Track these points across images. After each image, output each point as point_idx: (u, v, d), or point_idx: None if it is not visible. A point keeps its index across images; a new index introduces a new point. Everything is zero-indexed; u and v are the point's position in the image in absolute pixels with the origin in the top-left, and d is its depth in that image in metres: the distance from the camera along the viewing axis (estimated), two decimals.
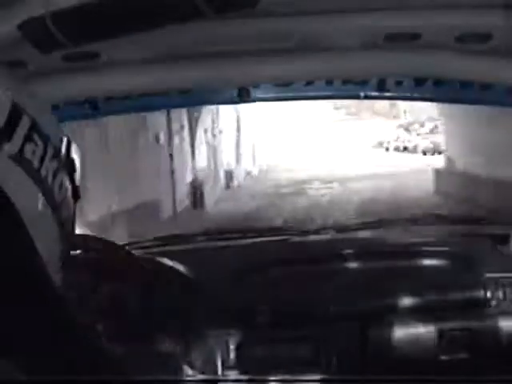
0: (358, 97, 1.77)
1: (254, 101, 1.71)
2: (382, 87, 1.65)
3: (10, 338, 0.75)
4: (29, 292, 0.80)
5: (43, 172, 0.88)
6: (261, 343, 1.93)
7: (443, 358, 1.88)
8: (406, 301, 1.94)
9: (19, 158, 0.85)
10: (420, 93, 1.72)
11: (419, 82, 1.63)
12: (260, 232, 2.36)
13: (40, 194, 0.86)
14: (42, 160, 0.87)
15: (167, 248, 2.27)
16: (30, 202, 0.85)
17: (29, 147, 0.86)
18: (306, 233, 2.33)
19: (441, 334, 1.89)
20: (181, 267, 1.98)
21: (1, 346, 0.75)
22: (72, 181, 0.95)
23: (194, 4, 1.04)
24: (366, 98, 1.75)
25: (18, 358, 0.75)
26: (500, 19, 1.30)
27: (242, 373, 1.88)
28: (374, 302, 1.95)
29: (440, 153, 21.08)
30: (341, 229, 2.34)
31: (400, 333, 1.90)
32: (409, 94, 1.75)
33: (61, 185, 0.91)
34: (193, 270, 2.01)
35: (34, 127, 0.88)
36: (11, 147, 0.84)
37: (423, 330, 1.90)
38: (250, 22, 1.32)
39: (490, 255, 2.03)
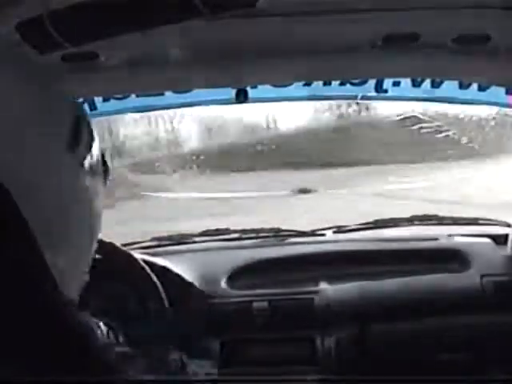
0: (355, 98, 1.77)
1: (251, 101, 1.71)
2: (380, 88, 1.66)
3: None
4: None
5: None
6: (260, 343, 1.93)
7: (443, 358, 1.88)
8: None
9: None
10: (418, 93, 1.73)
11: (417, 82, 1.63)
12: (258, 232, 2.36)
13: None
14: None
15: (167, 248, 2.27)
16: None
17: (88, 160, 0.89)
18: (304, 233, 2.33)
19: (441, 332, 1.89)
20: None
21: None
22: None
23: (192, 4, 1.04)
24: (364, 98, 1.76)
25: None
26: (498, 20, 1.30)
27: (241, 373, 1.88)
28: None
29: None
30: (339, 229, 2.33)
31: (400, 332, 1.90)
32: (407, 95, 1.76)
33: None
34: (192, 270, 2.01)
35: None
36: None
37: (423, 329, 1.90)
38: (250, 21, 1.31)
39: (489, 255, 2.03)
